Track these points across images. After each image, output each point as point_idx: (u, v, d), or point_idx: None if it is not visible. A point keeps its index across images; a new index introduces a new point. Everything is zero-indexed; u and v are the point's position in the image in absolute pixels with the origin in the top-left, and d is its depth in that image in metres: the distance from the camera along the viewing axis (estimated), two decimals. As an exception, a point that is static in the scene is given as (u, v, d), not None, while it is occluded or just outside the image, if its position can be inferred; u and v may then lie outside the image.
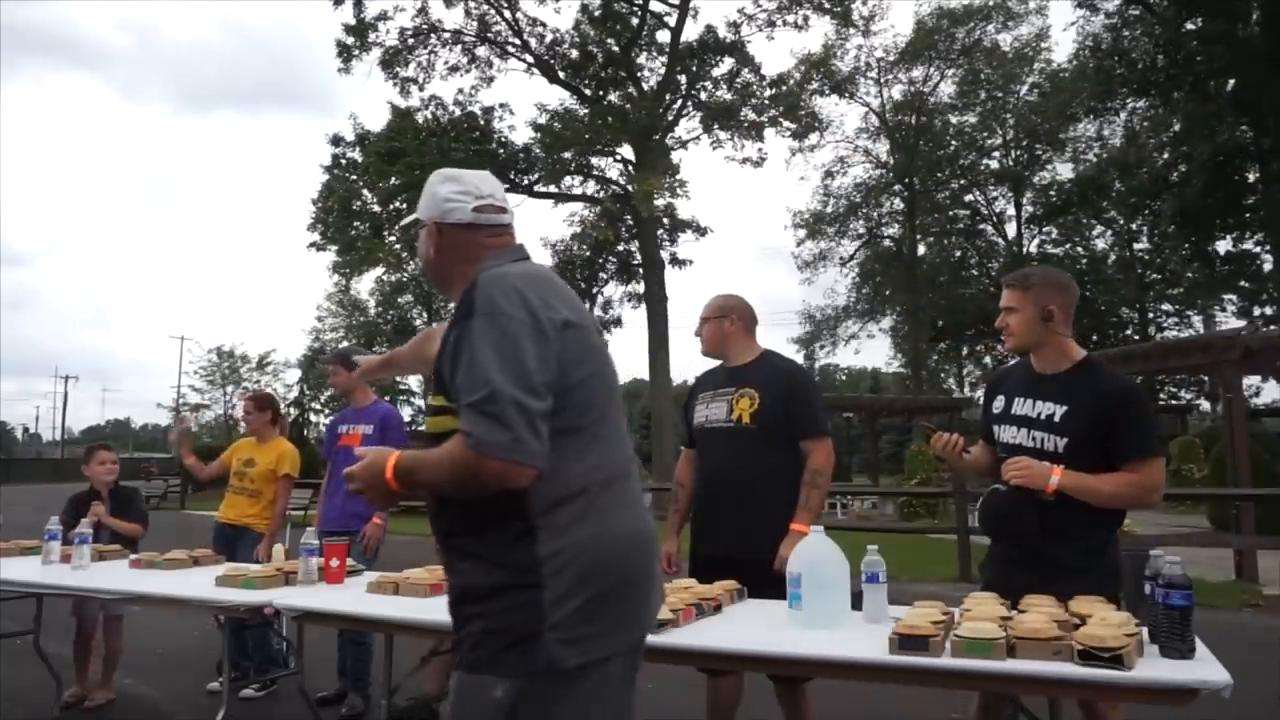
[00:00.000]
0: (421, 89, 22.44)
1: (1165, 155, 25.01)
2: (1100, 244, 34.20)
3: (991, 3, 31.13)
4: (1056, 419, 2.50)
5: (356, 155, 23.23)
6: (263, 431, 4.92)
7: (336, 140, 23.29)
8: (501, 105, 22.82)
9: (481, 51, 22.57)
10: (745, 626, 2.44)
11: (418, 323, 36.31)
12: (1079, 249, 33.78)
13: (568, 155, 21.90)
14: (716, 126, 22.19)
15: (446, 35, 22.21)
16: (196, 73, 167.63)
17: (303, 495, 11.70)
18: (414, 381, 36.36)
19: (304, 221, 23.35)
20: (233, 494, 4.83)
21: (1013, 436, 2.61)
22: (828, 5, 22.73)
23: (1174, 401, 30.84)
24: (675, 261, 23.48)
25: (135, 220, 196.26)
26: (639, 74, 22.63)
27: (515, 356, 1.45)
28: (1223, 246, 26.07)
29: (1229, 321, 27.69)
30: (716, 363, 3.34)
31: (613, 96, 22.54)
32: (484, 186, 1.73)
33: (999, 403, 2.70)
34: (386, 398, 8.20)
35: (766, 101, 22.74)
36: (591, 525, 1.50)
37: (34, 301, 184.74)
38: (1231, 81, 22.15)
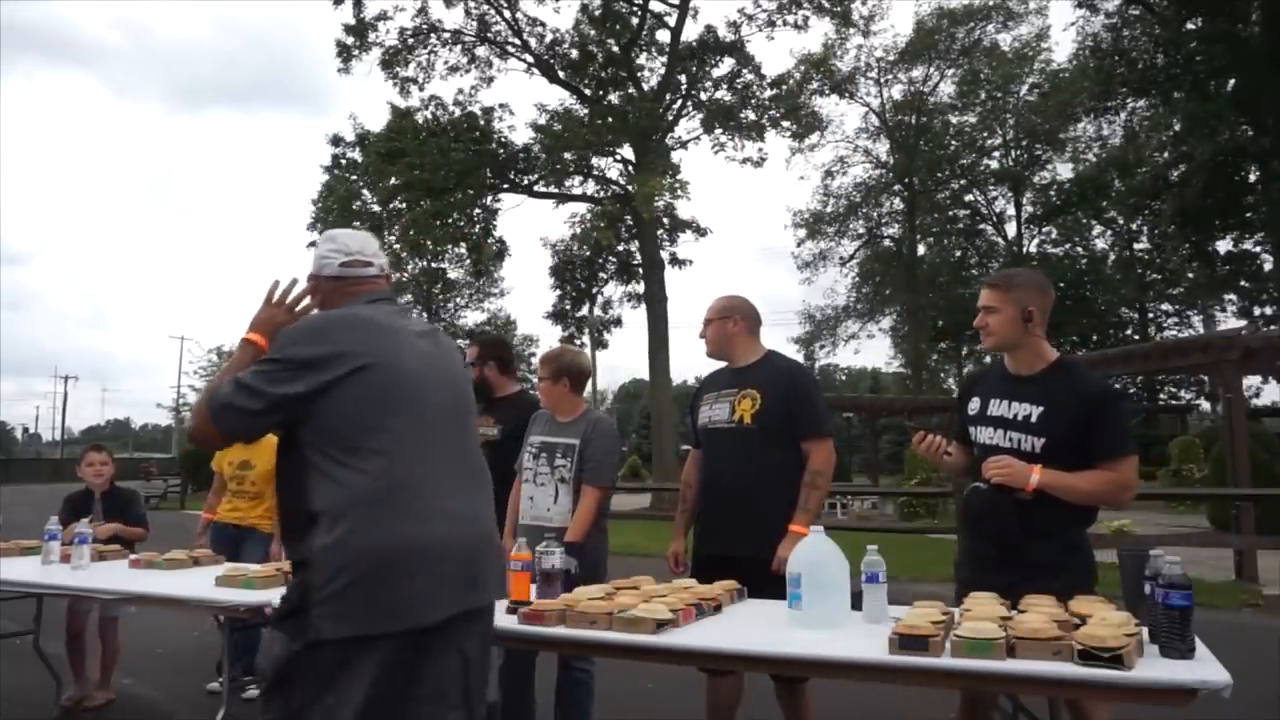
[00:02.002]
0: (421, 89, 22.40)
1: (1165, 155, 24.95)
2: (1100, 244, 34.29)
3: (991, 3, 31.16)
4: (1033, 420, 2.53)
5: (356, 155, 23.24)
6: None
7: (336, 140, 23.35)
8: (501, 105, 22.73)
9: (481, 51, 22.52)
10: (745, 626, 2.44)
11: (418, 322, 36.21)
12: (1079, 249, 33.84)
13: (568, 156, 21.86)
14: (717, 127, 22.16)
15: (446, 35, 22.16)
16: (191, 71, 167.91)
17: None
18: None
19: (304, 220, 23.40)
20: (233, 496, 4.81)
21: (989, 438, 2.63)
22: (828, 5, 22.70)
23: (1174, 401, 30.87)
24: (675, 262, 23.46)
25: (133, 219, 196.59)
26: (639, 74, 22.57)
27: (269, 371, 1.88)
28: (1223, 246, 26.03)
29: (1229, 321, 27.75)
30: (719, 364, 3.34)
31: (613, 97, 22.46)
32: (353, 245, 2.13)
33: (974, 404, 2.73)
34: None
35: (767, 102, 22.68)
36: (354, 528, 1.79)
37: (32, 301, 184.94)
38: (1231, 81, 22.12)
